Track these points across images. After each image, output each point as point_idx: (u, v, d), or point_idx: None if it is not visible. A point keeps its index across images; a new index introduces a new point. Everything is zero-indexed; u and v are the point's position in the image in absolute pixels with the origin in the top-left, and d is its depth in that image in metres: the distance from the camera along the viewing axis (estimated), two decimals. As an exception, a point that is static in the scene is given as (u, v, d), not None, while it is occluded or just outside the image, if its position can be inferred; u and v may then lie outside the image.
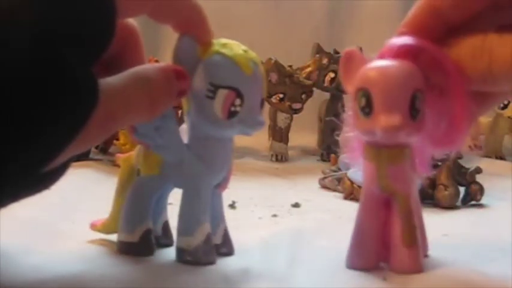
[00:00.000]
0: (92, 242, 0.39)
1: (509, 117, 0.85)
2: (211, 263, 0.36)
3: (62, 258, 0.36)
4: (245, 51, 0.35)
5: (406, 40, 0.33)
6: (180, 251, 0.36)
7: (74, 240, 0.40)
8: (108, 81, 0.29)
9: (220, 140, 0.36)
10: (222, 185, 0.37)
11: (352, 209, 0.42)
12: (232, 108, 0.34)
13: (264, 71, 0.36)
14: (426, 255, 0.38)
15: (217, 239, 0.37)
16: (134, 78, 0.31)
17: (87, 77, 0.27)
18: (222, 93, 0.34)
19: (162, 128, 0.35)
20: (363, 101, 0.33)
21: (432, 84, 0.34)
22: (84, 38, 0.27)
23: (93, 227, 0.40)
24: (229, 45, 0.35)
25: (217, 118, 0.34)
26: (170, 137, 0.35)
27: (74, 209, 0.49)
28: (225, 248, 0.38)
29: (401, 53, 0.33)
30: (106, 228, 0.39)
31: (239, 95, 0.34)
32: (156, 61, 0.71)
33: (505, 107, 0.85)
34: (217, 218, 0.37)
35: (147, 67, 0.32)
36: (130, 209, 0.37)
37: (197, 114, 0.35)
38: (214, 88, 0.34)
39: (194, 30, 0.34)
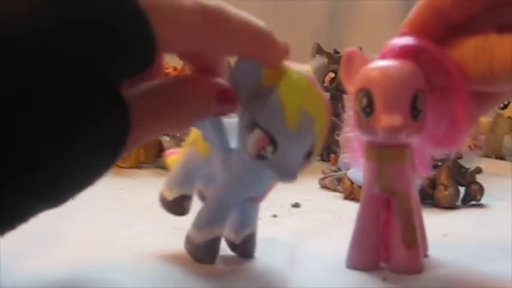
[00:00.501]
0: (92, 242, 0.39)
1: (509, 117, 0.85)
2: (207, 263, 0.36)
3: (62, 258, 0.36)
4: (305, 99, 0.31)
5: (407, 40, 0.34)
6: (186, 238, 0.36)
7: (74, 241, 0.40)
8: (138, 102, 0.27)
9: (256, 167, 0.33)
10: (256, 199, 0.36)
11: (352, 209, 0.42)
12: (262, 152, 0.31)
13: (322, 125, 0.32)
14: (426, 255, 0.38)
15: (237, 240, 0.37)
16: (165, 100, 0.28)
17: (121, 106, 0.25)
18: (257, 133, 0.31)
19: (214, 121, 0.34)
20: (364, 101, 0.33)
21: (433, 84, 0.34)
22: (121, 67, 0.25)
23: (166, 157, 0.42)
24: (293, 82, 0.31)
25: (247, 151, 0.32)
26: (216, 138, 0.34)
27: (74, 209, 0.49)
28: (241, 249, 0.37)
29: (402, 53, 0.33)
30: (174, 164, 0.40)
31: (273, 142, 0.31)
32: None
33: (505, 107, 0.85)
34: (244, 223, 0.37)
35: (183, 86, 0.30)
36: (176, 170, 0.38)
37: (238, 133, 0.33)
38: (253, 125, 0.31)
39: (258, 54, 0.30)
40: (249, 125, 0.31)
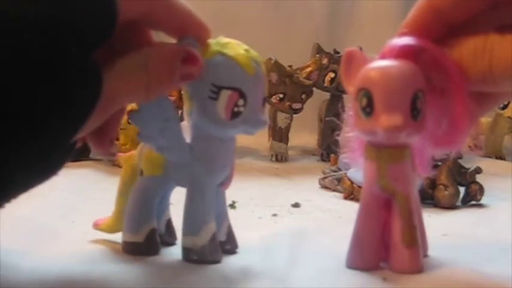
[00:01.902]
0: (92, 242, 0.39)
1: (509, 117, 0.85)
2: (218, 261, 0.36)
3: (62, 258, 0.36)
4: (246, 50, 0.35)
5: (407, 40, 0.34)
6: (186, 251, 0.36)
7: (74, 240, 0.40)
8: (109, 67, 0.29)
9: (222, 139, 0.36)
10: (225, 183, 0.37)
11: (352, 209, 0.42)
12: (236, 109, 0.34)
13: (264, 70, 0.36)
14: (426, 255, 0.38)
15: (222, 236, 0.38)
16: (134, 62, 0.31)
17: (91, 68, 0.28)
18: (225, 94, 0.34)
19: (166, 130, 0.35)
20: (364, 101, 0.34)
21: (433, 84, 0.34)
22: (86, 33, 0.28)
23: (96, 226, 0.40)
24: (230, 44, 0.35)
25: (220, 119, 0.34)
26: (174, 138, 0.35)
27: (74, 209, 0.49)
28: (229, 244, 0.38)
29: (402, 53, 0.33)
30: (109, 227, 0.39)
31: (242, 95, 0.34)
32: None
33: (505, 107, 0.85)
34: (221, 216, 0.38)
35: (151, 50, 0.32)
36: (135, 210, 0.37)
37: (199, 115, 0.35)
38: (217, 89, 0.34)
39: (192, 31, 0.34)
40: (213, 93, 0.34)
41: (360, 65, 0.34)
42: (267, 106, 0.82)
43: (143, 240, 0.37)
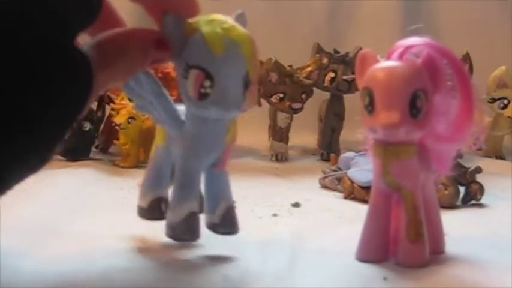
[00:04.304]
0: (92, 241, 0.39)
1: (509, 117, 0.85)
2: (190, 240, 0.36)
3: (62, 258, 0.36)
4: (226, 29, 0.33)
5: (412, 41, 0.34)
6: (165, 226, 0.36)
7: (74, 240, 0.40)
8: (95, 53, 0.30)
9: (208, 119, 0.35)
10: (218, 164, 0.36)
11: (352, 208, 0.42)
12: (202, 90, 0.33)
13: (251, 52, 0.34)
14: (442, 252, 0.39)
15: (215, 218, 0.37)
16: (115, 49, 0.31)
17: (81, 55, 0.28)
18: (192, 74, 0.33)
19: (157, 103, 0.35)
20: (367, 100, 0.35)
21: (438, 83, 0.34)
22: (72, 14, 0.28)
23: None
24: (214, 21, 0.33)
25: (192, 98, 0.34)
26: (166, 112, 0.36)
27: (74, 208, 0.49)
28: (224, 227, 0.37)
29: (407, 53, 0.34)
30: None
31: (209, 76, 0.33)
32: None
33: (505, 107, 0.85)
34: (217, 198, 0.37)
35: (128, 36, 0.32)
36: (145, 177, 0.39)
37: (180, 94, 0.35)
38: (188, 68, 0.33)
39: (178, 5, 0.33)
40: (185, 71, 0.33)
41: (371, 66, 0.35)
42: (267, 106, 0.82)
43: (146, 206, 0.38)
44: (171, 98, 0.36)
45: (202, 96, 0.33)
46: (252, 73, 0.34)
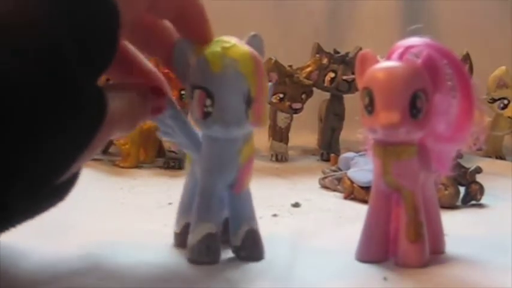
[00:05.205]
0: (92, 241, 0.39)
1: (509, 117, 0.85)
2: (208, 262, 0.35)
3: (62, 258, 0.36)
4: (227, 48, 0.33)
5: (413, 41, 0.34)
6: (187, 249, 0.36)
7: (74, 240, 0.40)
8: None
9: (219, 139, 0.35)
10: (235, 186, 0.36)
11: (352, 209, 0.42)
12: (205, 109, 0.33)
13: (251, 69, 0.34)
14: (442, 252, 0.39)
15: (237, 241, 0.36)
16: (121, 98, 0.31)
17: (97, 96, 0.28)
18: (196, 94, 0.33)
19: (174, 126, 0.35)
20: (367, 100, 0.35)
21: (439, 83, 0.34)
22: (92, 56, 0.27)
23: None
24: (218, 42, 0.34)
25: (197, 119, 0.34)
26: (184, 134, 0.36)
27: (74, 208, 0.49)
28: (245, 251, 0.36)
29: (407, 53, 0.34)
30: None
31: (209, 94, 0.33)
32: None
33: (505, 107, 0.85)
34: (238, 220, 0.36)
35: (130, 87, 0.33)
36: (180, 202, 0.39)
37: (191, 117, 0.35)
38: (192, 88, 0.34)
39: (193, 28, 0.34)
40: (191, 93, 0.34)
41: (371, 66, 0.35)
42: (267, 106, 0.82)
43: (179, 231, 0.38)
44: (190, 122, 0.36)
45: (205, 115, 0.33)
46: (255, 90, 0.34)
